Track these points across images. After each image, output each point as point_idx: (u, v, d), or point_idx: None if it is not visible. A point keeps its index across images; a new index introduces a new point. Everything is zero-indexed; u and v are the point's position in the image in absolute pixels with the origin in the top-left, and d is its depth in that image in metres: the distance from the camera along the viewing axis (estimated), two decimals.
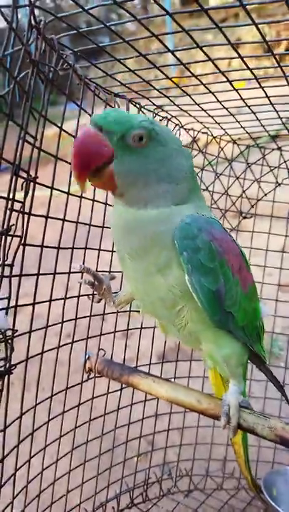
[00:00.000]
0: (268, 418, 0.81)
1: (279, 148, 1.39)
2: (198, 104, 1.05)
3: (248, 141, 1.36)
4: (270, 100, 1.03)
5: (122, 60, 0.89)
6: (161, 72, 0.92)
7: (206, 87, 0.98)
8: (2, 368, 0.72)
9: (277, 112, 1.11)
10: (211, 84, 0.99)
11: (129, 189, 0.69)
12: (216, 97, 1.02)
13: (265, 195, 1.41)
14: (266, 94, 0.99)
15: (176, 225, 0.68)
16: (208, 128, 1.30)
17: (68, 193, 0.85)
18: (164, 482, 1.37)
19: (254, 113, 1.12)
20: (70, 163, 0.85)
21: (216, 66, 0.89)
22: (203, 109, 1.10)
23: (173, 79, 0.99)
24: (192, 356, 1.38)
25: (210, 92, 1.00)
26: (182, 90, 0.99)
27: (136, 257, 0.72)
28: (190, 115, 1.16)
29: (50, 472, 1.03)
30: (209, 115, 1.13)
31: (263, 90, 0.97)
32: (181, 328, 0.76)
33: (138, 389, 0.98)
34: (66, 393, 1.03)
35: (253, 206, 1.42)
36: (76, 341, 1.00)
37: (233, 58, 0.89)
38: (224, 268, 0.71)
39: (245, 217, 1.41)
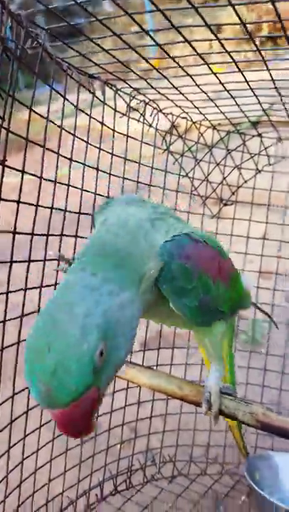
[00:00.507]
0: (249, 404, 0.82)
1: (259, 135, 1.39)
2: (176, 88, 1.04)
3: (229, 127, 1.35)
4: (249, 85, 1.02)
5: (98, 42, 0.87)
6: (137, 53, 0.90)
7: (183, 70, 0.97)
8: None
9: (257, 97, 1.10)
10: (190, 68, 0.98)
11: None
12: (193, 80, 1.01)
13: (246, 181, 1.41)
14: (245, 78, 0.98)
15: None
16: (187, 113, 1.28)
17: (41, 178, 0.83)
18: (147, 469, 1.38)
19: (233, 98, 1.12)
20: (43, 147, 0.84)
21: (193, 48, 0.88)
22: (181, 93, 1.09)
23: (151, 61, 0.97)
24: (174, 344, 1.38)
25: (188, 75, 0.99)
26: (159, 72, 0.97)
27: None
28: (168, 99, 1.14)
29: (31, 462, 1.03)
30: (187, 99, 1.12)
31: (242, 75, 0.96)
32: (174, 325, 0.87)
33: (121, 378, 0.98)
34: None
35: (233, 193, 1.42)
36: None
37: (212, 40, 0.87)
38: (203, 280, 0.72)
39: (226, 204, 1.41)
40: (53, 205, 0.87)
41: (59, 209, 0.88)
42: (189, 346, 1.39)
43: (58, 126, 0.87)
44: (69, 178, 0.91)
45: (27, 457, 1.00)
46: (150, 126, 1.21)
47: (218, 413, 0.81)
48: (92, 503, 1.24)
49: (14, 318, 0.86)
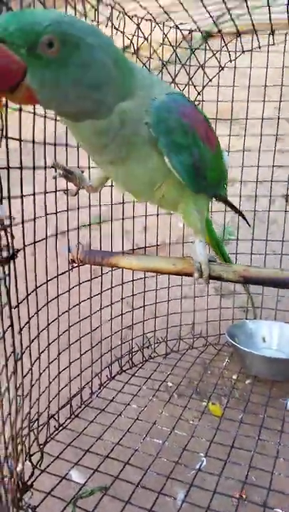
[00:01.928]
0: (232, 265, 0.98)
1: (219, 31, 1.42)
2: None
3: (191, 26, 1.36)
4: None
5: None
6: None
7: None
8: (6, 254, 0.80)
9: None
10: None
11: (57, 104, 0.64)
12: None
13: (210, 80, 1.46)
14: None
15: (143, 117, 0.70)
16: (151, 14, 1.28)
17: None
18: (145, 350, 1.61)
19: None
20: None
21: None
22: None
23: None
24: (146, 246, 1.53)
25: None
26: None
27: (117, 163, 0.76)
28: None
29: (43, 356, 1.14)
30: None
31: None
32: (160, 199, 0.85)
33: (119, 267, 1.09)
34: (48, 286, 1.14)
35: (199, 93, 1.48)
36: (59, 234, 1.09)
37: None
38: (196, 139, 0.76)
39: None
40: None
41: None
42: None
43: None
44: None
45: (43, 351, 1.14)
46: (117, 30, 1.21)
47: (209, 277, 0.95)
48: (105, 381, 1.45)
49: (30, 220, 0.94)
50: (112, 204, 1.35)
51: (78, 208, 1.19)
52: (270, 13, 1.26)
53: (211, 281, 0.94)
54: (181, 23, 1.39)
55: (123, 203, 1.35)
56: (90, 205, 1.24)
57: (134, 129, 0.71)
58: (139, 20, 1.30)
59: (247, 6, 1.17)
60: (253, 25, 1.36)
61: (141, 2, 1.19)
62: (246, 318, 1.70)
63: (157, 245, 1.55)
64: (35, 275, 1.00)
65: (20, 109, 0.84)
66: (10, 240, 0.80)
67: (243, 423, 1.25)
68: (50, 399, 1.17)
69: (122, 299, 1.46)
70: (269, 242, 1.64)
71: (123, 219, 1.39)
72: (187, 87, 1.44)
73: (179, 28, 1.39)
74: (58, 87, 0.60)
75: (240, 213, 1.21)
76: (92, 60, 0.61)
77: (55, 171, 0.97)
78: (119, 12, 1.23)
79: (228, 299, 1.77)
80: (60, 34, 0.57)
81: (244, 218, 1.24)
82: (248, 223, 1.29)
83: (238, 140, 1.54)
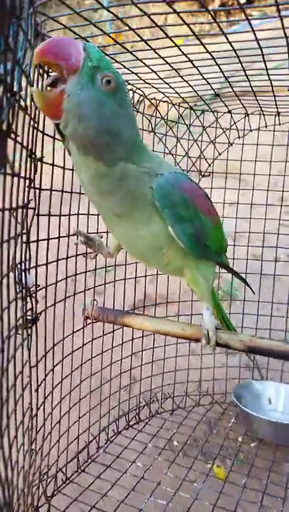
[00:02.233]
0: (238, 334, 1.05)
1: (229, 112, 1.57)
2: (140, 60, 1.07)
3: (189, 101, 1.49)
4: (212, 56, 1.03)
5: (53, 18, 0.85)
6: (99, 28, 0.91)
7: (146, 44, 0.96)
8: (30, 317, 0.89)
9: (219, 66, 1.11)
10: (149, 42, 0.97)
11: (77, 128, 0.68)
12: (157, 53, 1.01)
13: (220, 154, 1.60)
14: (207, 49, 0.99)
15: (150, 185, 0.79)
16: (168, 97, 1.44)
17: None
18: (152, 405, 1.64)
19: (197, 68, 1.11)
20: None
21: (152, 20, 0.87)
22: (146, 65, 1.10)
23: (107, 37, 0.95)
24: (156, 301, 1.60)
25: (151, 49, 0.98)
26: (122, 46, 1.00)
27: (120, 216, 0.82)
28: (132, 72, 1.17)
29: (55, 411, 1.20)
30: (153, 70, 1.15)
31: (204, 46, 0.97)
32: (166, 265, 0.93)
33: (131, 327, 1.17)
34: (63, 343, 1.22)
35: (210, 165, 1.62)
36: (77, 293, 1.18)
37: (169, 14, 0.90)
38: (197, 212, 0.86)
39: (204, 176, 1.60)
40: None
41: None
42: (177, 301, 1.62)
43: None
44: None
45: (56, 404, 1.20)
46: (138, 111, 1.36)
47: (215, 344, 1.01)
48: (111, 436, 1.48)
49: (52, 284, 1.03)
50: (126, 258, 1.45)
51: (95, 269, 1.29)
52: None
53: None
54: (195, 105, 1.56)
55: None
56: (106, 266, 1.34)
57: (136, 187, 0.78)
58: (157, 102, 1.46)
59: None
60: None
61: (158, 87, 1.34)
62: (252, 378, 1.73)
63: (167, 302, 1.62)
64: (54, 334, 1.08)
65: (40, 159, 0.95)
66: (34, 305, 0.89)
67: (246, 488, 1.26)
68: (59, 452, 1.21)
69: (131, 354, 1.52)
70: (275, 298, 1.69)
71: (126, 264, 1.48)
72: (199, 160, 1.58)
73: (192, 108, 1.55)
74: (92, 114, 0.68)
75: (244, 281, 1.28)
76: (126, 109, 0.73)
77: (77, 238, 1.08)
78: (140, 96, 1.39)
79: (234, 357, 1.81)
80: (120, 80, 0.70)
81: (248, 285, 1.31)
82: (252, 291, 1.36)
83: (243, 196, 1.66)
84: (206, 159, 1.60)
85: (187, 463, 1.38)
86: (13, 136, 0.65)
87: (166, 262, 0.92)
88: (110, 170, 0.75)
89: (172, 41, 0.97)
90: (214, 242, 0.96)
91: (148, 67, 1.14)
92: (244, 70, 1.14)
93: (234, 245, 1.67)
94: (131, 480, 1.28)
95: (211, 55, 1.03)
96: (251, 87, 1.26)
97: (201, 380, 1.71)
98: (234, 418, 1.64)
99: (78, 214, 1.15)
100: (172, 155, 1.52)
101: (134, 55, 1.07)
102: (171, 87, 1.30)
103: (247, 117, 1.60)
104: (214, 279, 1.06)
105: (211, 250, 0.95)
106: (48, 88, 0.68)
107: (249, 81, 1.22)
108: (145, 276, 1.53)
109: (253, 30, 0.86)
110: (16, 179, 0.72)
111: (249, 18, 0.83)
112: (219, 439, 1.51)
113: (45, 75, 0.87)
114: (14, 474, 0.79)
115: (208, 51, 1.00)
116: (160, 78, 1.20)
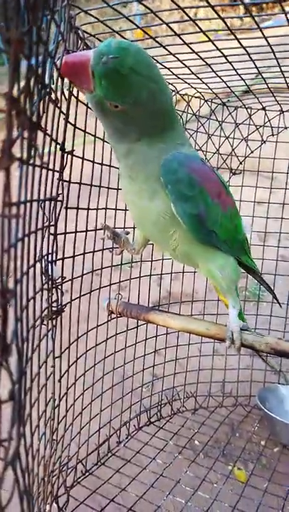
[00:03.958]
0: (264, 336, 1.02)
1: (263, 109, 1.53)
2: (173, 54, 1.06)
3: (222, 97, 1.46)
4: (246, 51, 1.01)
5: (82, 13, 0.86)
6: (130, 21, 0.91)
7: (179, 37, 0.96)
8: (55, 308, 0.90)
9: (254, 62, 1.08)
10: (177, 37, 0.96)
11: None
12: (190, 47, 1.00)
13: (252, 152, 1.57)
14: (241, 44, 0.97)
15: (160, 162, 0.79)
16: (201, 93, 1.42)
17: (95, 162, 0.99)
18: (174, 403, 1.63)
19: (230, 63, 1.10)
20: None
21: (185, 13, 0.87)
22: (179, 59, 1.09)
23: (135, 32, 0.99)
24: (181, 298, 1.59)
25: (184, 43, 0.98)
26: (154, 40, 0.99)
27: (133, 177, 0.83)
28: (165, 67, 1.15)
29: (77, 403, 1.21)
30: (185, 65, 1.13)
31: (238, 41, 0.96)
32: (175, 249, 0.91)
33: (154, 323, 1.16)
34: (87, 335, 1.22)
35: (241, 163, 1.58)
36: (103, 287, 1.18)
37: (199, 7, 0.90)
38: (204, 194, 0.83)
39: (234, 174, 1.57)
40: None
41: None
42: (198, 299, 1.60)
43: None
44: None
45: (77, 398, 1.22)
46: None
47: (240, 346, 0.99)
48: (132, 431, 1.48)
49: (79, 276, 1.04)
50: (152, 256, 1.45)
51: (121, 264, 1.29)
52: None
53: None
54: (228, 101, 1.53)
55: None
56: (131, 261, 1.34)
57: (151, 169, 0.80)
58: (189, 97, 1.44)
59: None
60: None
61: (191, 82, 1.33)
62: (278, 382, 1.69)
63: (192, 300, 1.61)
64: (78, 327, 1.09)
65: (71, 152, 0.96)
66: (59, 297, 0.90)
67: (267, 492, 1.23)
68: (80, 444, 1.22)
69: (155, 351, 1.51)
70: None
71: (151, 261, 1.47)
72: (230, 157, 1.55)
73: (225, 104, 1.52)
74: (101, 120, 0.76)
75: (271, 292, 1.22)
76: (143, 114, 0.74)
77: (104, 233, 1.09)
78: (172, 91, 1.38)
79: (259, 359, 1.76)
80: (125, 102, 0.71)
81: (275, 298, 1.26)
82: (279, 304, 1.30)
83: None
84: (237, 157, 1.57)
85: (208, 463, 1.36)
86: (43, 128, 0.66)
87: (174, 245, 0.91)
88: (131, 146, 0.79)
89: (206, 35, 0.95)
90: (224, 231, 0.91)
91: (181, 61, 1.12)
92: (279, 66, 1.11)
93: (264, 245, 1.63)
94: (150, 476, 1.28)
95: (245, 50, 1.00)
96: (287, 83, 1.22)
97: (225, 381, 1.69)
98: (258, 421, 1.60)
99: (106, 208, 1.15)
100: (203, 151, 1.50)
101: (167, 50, 1.06)
102: (203, 82, 1.28)
103: (282, 114, 1.55)
104: (239, 275, 1.01)
105: (220, 239, 0.91)
106: None
107: (284, 77, 1.18)
108: (171, 273, 1.51)
109: None
110: (45, 171, 0.73)
111: (285, 12, 0.81)
112: (241, 442, 1.48)
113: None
114: (35, 463, 0.81)
115: (242, 45, 0.98)
116: (192, 73, 1.18)
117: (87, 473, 1.26)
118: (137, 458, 1.35)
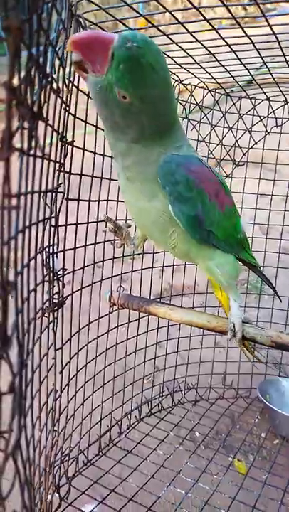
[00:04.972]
0: (265, 329, 1.02)
1: (268, 99, 1.52)
2: (176, 43, 1.05)
3: (225, 87, 1.44)
4: (251, 40, 0.99)
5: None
6: (133, 9, 0.89)
7: (183, 26, 0.94)
8: (56, 301, 0.90)
9: (259, 51, 1.06)
10: (181, 26, 0.94)
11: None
12: (193, 36, 0.98)
13: (256, 143, 1.55)
14: (247, 35, 0.96)
15: (158, 163, 0.78)
16: (204, 83, 1.40)
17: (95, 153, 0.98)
18: (174, 394, 1.63)
19: (234, 52, 1.09)
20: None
21: (191, 2, 0.86)
22: (182, 49, 1.07)
23: (138, 20, 0.98)
24: (183, 291, 1.59)
25: (187, 31, 0.96)
26: (157, 28, 0.97)
27: (130, 179, 0.82)
28: (168, 56, 1.12)
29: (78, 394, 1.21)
30: (189, 55, 1.12)
31: (243, 30, 0.95)
32: (174, 248, 0.91)
33: (156, 315, 1.16)
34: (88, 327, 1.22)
35: (244, 154, 1.57)
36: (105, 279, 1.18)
37: None
38: (202, 196, 0.83)
39: (238, 165, 1.56)
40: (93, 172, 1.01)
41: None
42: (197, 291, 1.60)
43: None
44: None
45: (80, 388, 1.22)
46: None
47: (241, 338, 0.98)
48: (133, 422, 1.49)
49: (79, 269, 1.04)
50: (154, 252, 1.44)
51: (122, 256, 1.29)
52: None
53: None
54: (232, 91, 1.51)
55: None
56: (133, 253, 1.33)
57: (149, 170, 0.79)
58: (192, 87, 1.43)
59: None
60: None
61: (194, 72, 1.31)
62: (279, 375, 1.69)
63: (194, 293, 1.61)
64: (79, 319, 1.09)
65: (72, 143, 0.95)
66: (61, 289, 0.90)
67: (267, 484, 1.24)
68: (81, 435, 1.23)
69: (156, 343, 1.52)
70: None
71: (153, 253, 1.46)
72: (233, 148, 1.53)
73: (229, 95, 1.51)
74: (99, 108, 0.73)
75: (271, 286, 1.21)
76: (147, 110, 0.72)
77: (106, 226, 1.08)
78: (175, 81, 1.36)
79: (261, 352, 1.77)
80: (134, 92, 0.69)
81: (276, 293, 1.24)
82: (279, 299, 1.29)
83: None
84: (240, 148, 1.56)
85: (208, 455, 1.37)
86: (44, 118, 0.65)
87: (174, 244, 0.91)
88: (129, 145, 0.78)
89: (210, 24, 0.93)
90: (222, 230, 0.91)
91: (184, 51, 1.10)
92: (284, 56, 1.09)
93: (266, 238, 1.62)
94: (151, 467, 1.29)
95: (250, 39, 0.99)
96: None
97: (226, 373, 1.69)
98: (258, 414, 1.61)
99: (108, 200, 1.14)
100: (206, 143, 1.49)
101: (170, 39, 1.04)
102: (207, 71, 1.26)
103: (286, 105, 1.53)
104: (238, 271, 1.00)
105: (218, 239, 0.91)
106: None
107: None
108: (173, 265, 1.51)
109: None
110: (46, 162, 0.72)
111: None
112: (242, 434, 1.49)
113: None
114: (36, 454, 0.81)
115: (246, 34, 0.96)
116: (196, 62, 1.17)
117: (88, 464, 1.27)
118: (138, 449, 1.36)
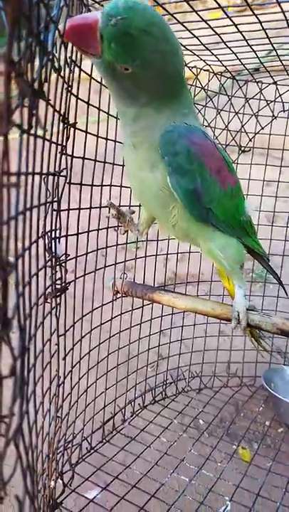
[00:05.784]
0: (271, 316, 1.00)
1: (275, 83, 1.48)
2: (181, 23, 1.02)
3: (232, 70, 1.41)
4: (262, 26, 0.98)
5: None
6: None
7: (188, 3, 0.91)
8: (59, 286, 0.88)
9: (269, 39, 1.06)
10: (187, 14, 0.94)
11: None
12: (200, 16, 0.96)
13: (262, 128, 1.52)
14: (259, 20, 0.96)
15: (161, 132, 0.76)
16: (210, 65, 1.37)
17: (98, 136, 0.96)
18: (178, 383, 1.63)
19: (242, 33, 1.05)
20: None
21: None
22: (187, 29, 1.05)
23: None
24: (187, 279, 1.57)
25: (193, 9, 0.93)
26: (162, 7, 0.96)
27: (136, 145, 0.80)
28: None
29: (82, 381, 1.21)
30: (195, 36, 1.09)
31: (253, 13, 0.94)
32: (174, 225, 0.88)
33: (159, 303, 1.14)
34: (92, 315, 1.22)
35: (250, 140, 1.54)
36: (106, 266, 1.16)
37: None
38: (202, 169, 0.80)
39: (244, 151, 1.53)
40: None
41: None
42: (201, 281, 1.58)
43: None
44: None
45: (82, 376, 1.21)
46: None
47: (246, 326, 0.96)
48: (137, 410, 1.49)
49: (82, 255, 1.03)
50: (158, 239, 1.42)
51: (126, 243, 1.27)
52: None
53: None
54: (238, 75, 1.47)
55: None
56: (136, 241, 1.32)
57: (151, 136, 0.78)
58: (198, 71, 1.39)
59: None
60: None
61: (200, 54, 1.27)
62: (284, 364, 1.68)
63: (199, 281, 1.59)
64: (82, 306, 1.08)
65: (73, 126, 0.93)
66: (64, 275, 0.88)
67: (271, 472, 1.23)
68: (85, 422, 1.23)
69: (160, 331, 1.51)
70: None
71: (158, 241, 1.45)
72: (239, 133, 1.50)
73: (235, 78, 1.47)
74: (108, 84, 0.74)
75: (277, 278, 1.18)
76: (151, 78, 0.71)
77: (109, 211, 1.06)
78: None
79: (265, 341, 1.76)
80: (136, 62, 0.67)
81: (280, 283, 1.22)
82: (284, 288, 1.27)
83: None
84: (246, 133, 1.53)
85: (212, 442, 1.37)
86: (45, 97, 0.63)
87: (174, 222, 0.88)
88: (140, 110, 0.76)
89: (217, 3, 0.91)
90: (222, 209, 0.88)
91: (190, 31, 1.07)
92: None
93: (272, 226, 1.60)
94: (154, 454, 1.29)
95: (261, 25, 0.96)
96: None
97: (230, 361, 1.68)
98: (263, 402, 1.60)
99: (111, 185, 1.12)
100: (211, 128, 1.46)
101: (175, 18, 1.01)
102: (213, 54, 1.23)
103: None
104: (242, 256, 0.98)
105: (218, 218, 0.88)
106: None
107: None
108: (177, 253, 1.49)
109: None
110: (47, 144, 0.70)
111: None
112: (246, 422, 1.48)
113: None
114: (39, 440, 0.81)
115: (257, 18, 0.94)
116: (201, 43, 1.13)
117: (92, 451, 1.27)
118: (142, 436, 1.36)
